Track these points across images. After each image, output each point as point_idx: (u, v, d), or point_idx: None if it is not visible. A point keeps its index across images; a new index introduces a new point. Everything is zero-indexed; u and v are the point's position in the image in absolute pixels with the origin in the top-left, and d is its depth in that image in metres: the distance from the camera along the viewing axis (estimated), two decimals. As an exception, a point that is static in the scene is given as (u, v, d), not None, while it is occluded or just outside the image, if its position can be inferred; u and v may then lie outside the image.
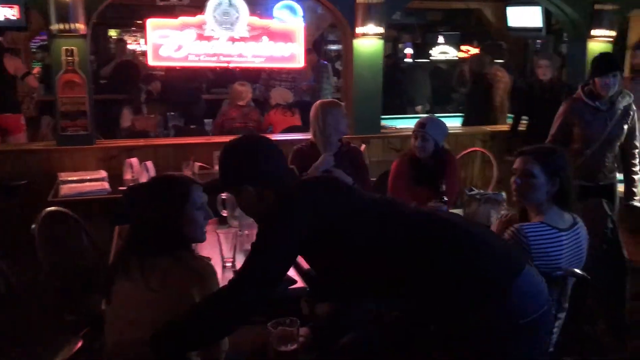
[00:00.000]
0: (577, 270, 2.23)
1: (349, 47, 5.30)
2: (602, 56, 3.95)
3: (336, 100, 3.75)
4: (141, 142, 5.16)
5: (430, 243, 1.81)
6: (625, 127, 3.89)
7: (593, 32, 5.77)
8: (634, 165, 4.03)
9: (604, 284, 2.68)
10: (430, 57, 8.32)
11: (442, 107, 8.25)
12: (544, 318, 1.84)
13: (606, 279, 2.65)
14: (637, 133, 4.00)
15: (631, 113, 3.91)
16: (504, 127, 6.11)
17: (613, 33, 5.84)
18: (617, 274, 2.82)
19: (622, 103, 3.86)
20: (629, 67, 6.72)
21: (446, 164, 3.55)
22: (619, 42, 8.38)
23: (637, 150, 4.02)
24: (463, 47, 8.16)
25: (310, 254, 1.88)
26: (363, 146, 4.42)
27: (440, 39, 8.74)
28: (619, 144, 3.96)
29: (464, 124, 6.54)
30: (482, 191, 3.42)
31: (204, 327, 1.68)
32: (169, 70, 6.86)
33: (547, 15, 7.30)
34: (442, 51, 8.36)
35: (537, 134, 4.40)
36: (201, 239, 1.96)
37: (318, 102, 3.54)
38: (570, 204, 2.33)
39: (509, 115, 6.48)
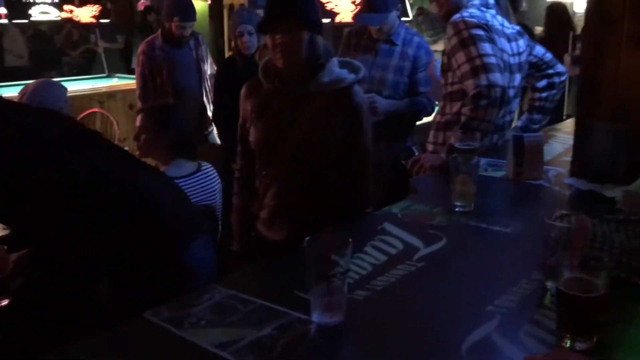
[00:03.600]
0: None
1: None
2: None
3: None
4: None
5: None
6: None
7: (190, -9, 6.13)
8: None
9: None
10: (31, 18, 7.64)
11: (58, 70, 7.76)
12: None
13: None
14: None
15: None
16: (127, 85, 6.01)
17: (208, -8, 6.32)
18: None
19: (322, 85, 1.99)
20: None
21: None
22: (217, 2, 9.07)
23: None
24: (66, 7, 7.72)
25: None
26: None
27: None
28: None
29: None
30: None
31: None
32: None
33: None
34: (43, 11, 7.75)
35: None
36: None
37: None
38: (191, 154, 2.56)
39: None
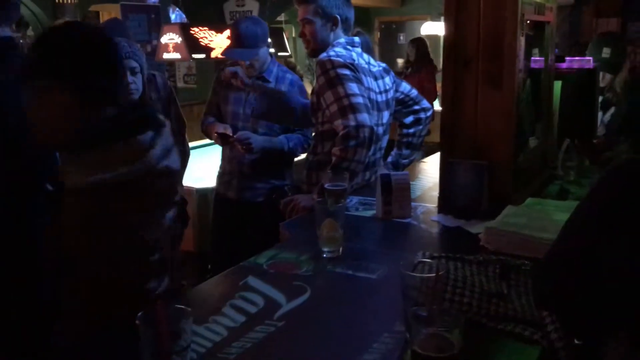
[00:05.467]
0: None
1: None
2: None
3: None
4: None
5: None
6: None
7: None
8: None
9: None
10: None
11: None
12: None
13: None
14: None
15: None
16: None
17: (78, 26, 6.02)
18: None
19: None
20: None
21: None
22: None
23: None
24: None
25: None
26: None
27: None
28: None
29: None
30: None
31: None
32: None
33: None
34: None
35: None
36: None
37: None
38: None
39: None
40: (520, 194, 2.09)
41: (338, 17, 2.37)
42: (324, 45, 2.38)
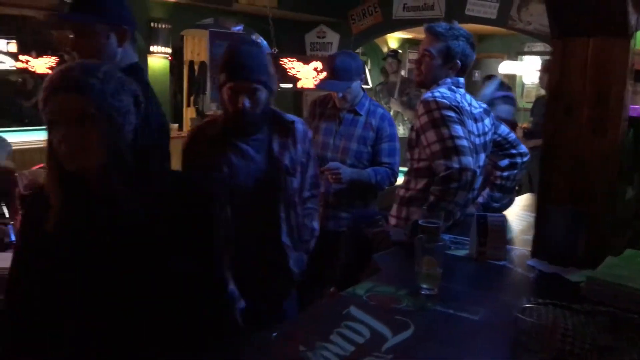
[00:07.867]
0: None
1: None
2: None
3: None
4: None
5: None
6: None
7: (152, 48, 6.15)
8: None
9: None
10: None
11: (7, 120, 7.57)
12: None
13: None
14: None
15: None
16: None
17: (169, 50, 6.33)
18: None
19: None
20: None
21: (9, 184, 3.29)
22: (178, 58, 9.14)
23: None
24: (22, 57, 7.54)
25: None
26: None
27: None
28: None
29: None
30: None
31: None
32: None
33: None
34: (-3, 60, 7.59)
35: None
36: None
37: None
38: None
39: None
40: (616, 244, 2.05)
41: (459, 63, 2.38)
42: (433, 82, 2.39)
